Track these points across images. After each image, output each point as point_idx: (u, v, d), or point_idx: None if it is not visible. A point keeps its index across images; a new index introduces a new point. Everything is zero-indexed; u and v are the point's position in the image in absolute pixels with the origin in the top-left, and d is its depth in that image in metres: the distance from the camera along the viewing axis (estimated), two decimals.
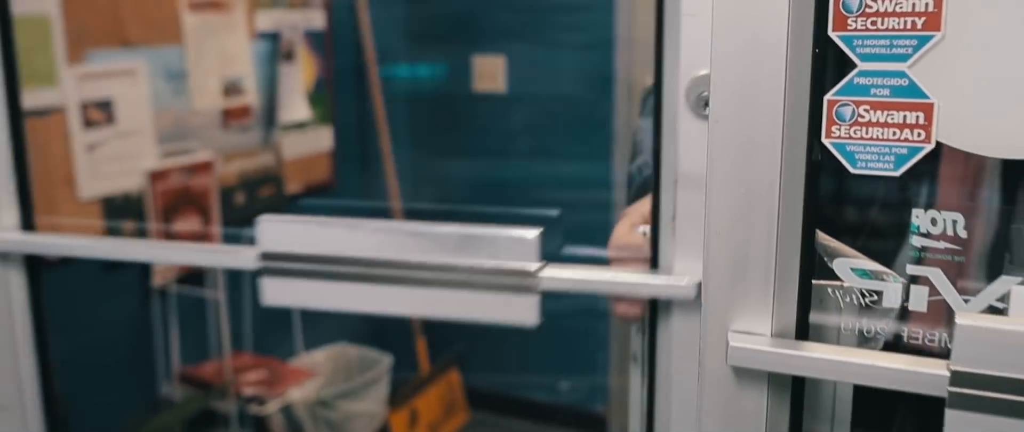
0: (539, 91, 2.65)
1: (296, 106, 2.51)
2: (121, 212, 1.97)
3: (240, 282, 2.30)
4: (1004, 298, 0.54)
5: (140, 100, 2.01)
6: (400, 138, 2.83)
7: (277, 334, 2.47)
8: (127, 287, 2.04)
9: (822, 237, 0.57)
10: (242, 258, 0.82)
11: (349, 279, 0.81)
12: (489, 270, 0.74)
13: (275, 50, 2.44)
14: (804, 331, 0.58)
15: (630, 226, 0.75)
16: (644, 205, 0.77)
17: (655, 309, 0.73)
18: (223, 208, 2.21)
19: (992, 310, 0.54)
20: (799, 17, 0.53)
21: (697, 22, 0.61)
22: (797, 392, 0.60)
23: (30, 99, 1.69)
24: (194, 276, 2.19)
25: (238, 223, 2.34)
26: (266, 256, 0.82)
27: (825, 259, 0.58)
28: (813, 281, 0.58)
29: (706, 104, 0.64)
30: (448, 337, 2.93)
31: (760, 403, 0.59)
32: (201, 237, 2.18)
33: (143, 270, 2.05)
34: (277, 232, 0.82)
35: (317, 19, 2.58)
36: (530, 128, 2.68)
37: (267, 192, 2.43)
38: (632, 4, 2.65)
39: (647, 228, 0.71)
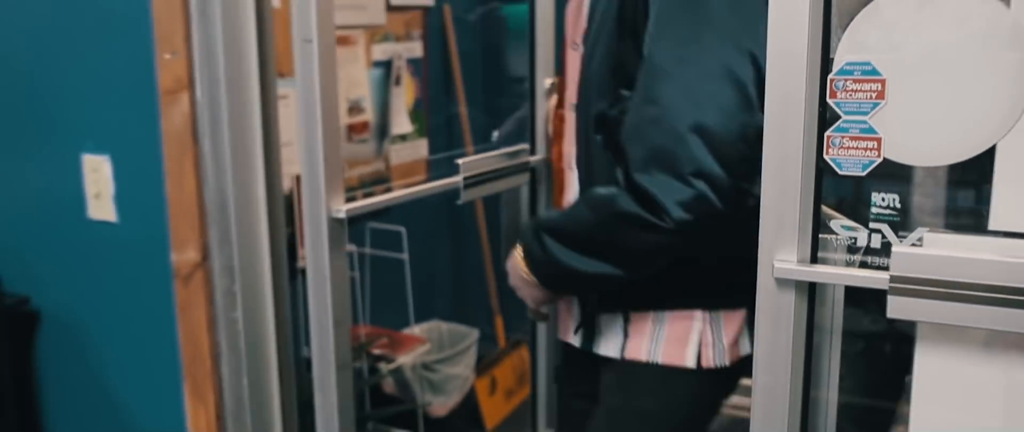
0: None
1: (401, 122, 3.02)
2: None
3: (363, 265, 2.81)
4: (920, 239, 1.03)
5: (291, 119, 2.52)
6: (481, 146, 3.32)
7: (385, 309, 2.96)
8: None
9: (824, 208, 1.07)
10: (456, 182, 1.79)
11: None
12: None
13: (387, 76, 2.94)
14: (815, 259, 1.08)
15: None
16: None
17: (534, 175, 1.97)
18: None
19: (913, 245, 1.03)
20: (811, 94, 1.03)
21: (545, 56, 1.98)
22: (812, 294, 1.09)
23: None
24: None
25: (360, 218, 2.85)
26: (466, 178, 1.78)
27: (826, 220, 1.07)
28: (820, 234, 1.08)
29: (549, 92, 1.85)
30: (520, 316, 3.41)
31: (790, 300, 1.08)
32: None
33: (290, 253, 2.55)
34: (470, 166, 1.79)
35: (417, 49, 3.09)
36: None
37: (379, 193, 2.93)
38: None
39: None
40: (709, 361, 1.40)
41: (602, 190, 1.29)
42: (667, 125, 1.20)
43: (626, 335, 1.42)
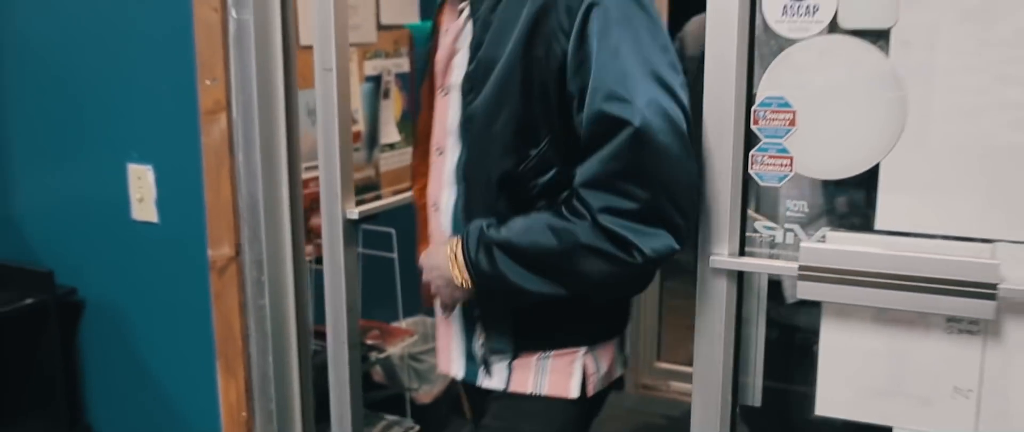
0: None
1: (390, 132, 3.24)
2: None
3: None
4: (824, 237, 1.31)
5: None
6: None
7: (376, 304, 3.17)
8: None
9: (750, 212, 1.34)
10: None
11: None
12: None
13: (377, 90, 3.16)
14: (743, 253, 1.35)
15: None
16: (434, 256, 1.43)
17: None
18: None
19: (818, 241, 1.31)
20: (737, 120, 1.30)
21: None
22: (740, 281, 1.37)
23: None
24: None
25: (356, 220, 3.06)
26: None
27: (751, 221, 1.35)
28: (746, 233, 1.35)
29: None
30: None
31: (722, 286, 1.36)
32: None
33: None
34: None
35: (404, 64, 3.31)
36: None
37: (370, 198, 3.15)
38: None
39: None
40: (593, 389, 1.45)
41: (556, 219, 1.30)
42: (632, 178, 1.25)
43: (510, 369, 1.45)
